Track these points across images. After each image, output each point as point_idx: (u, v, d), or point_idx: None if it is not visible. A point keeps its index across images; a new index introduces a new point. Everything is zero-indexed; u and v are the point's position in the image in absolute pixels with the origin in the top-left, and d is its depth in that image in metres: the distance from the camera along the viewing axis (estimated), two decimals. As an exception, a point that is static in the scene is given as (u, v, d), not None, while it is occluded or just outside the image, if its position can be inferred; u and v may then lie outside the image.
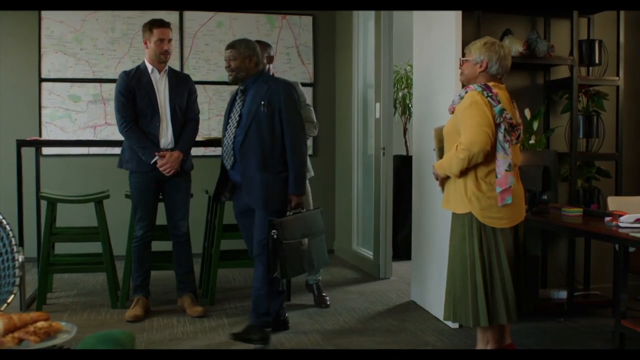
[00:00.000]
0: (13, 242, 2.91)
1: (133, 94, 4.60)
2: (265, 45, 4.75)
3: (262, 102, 3.98)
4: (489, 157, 3.35)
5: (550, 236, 5.01)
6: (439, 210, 4.51)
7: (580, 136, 4.99)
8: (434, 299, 4.68)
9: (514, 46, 4.67)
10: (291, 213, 4.00)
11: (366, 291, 5.51)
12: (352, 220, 6.74)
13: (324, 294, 5.06)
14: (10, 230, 2.93)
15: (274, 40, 6.94)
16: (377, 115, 6.06)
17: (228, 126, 4.11)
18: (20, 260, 2.84)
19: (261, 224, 3.97)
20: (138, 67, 4.71)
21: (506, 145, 3.36)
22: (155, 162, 4.54)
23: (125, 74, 4.67)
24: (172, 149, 4.60)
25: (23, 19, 6.50)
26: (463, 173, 3.39)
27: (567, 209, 4.23)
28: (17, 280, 2.79)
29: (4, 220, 2.96)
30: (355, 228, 6.73)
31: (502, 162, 3.36)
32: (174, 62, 6.68)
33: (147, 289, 4.76)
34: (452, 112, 3.54)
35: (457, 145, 3.35)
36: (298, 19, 7.11)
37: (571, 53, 4.86)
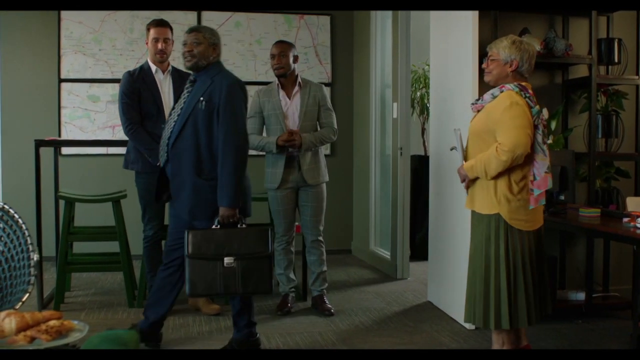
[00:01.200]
0: (29, 242, 2.94)
1: (138, 95, 4.57)
2: (289, 45, 4.75)
3: (201, 99, 3.62)
4: (526, 158, 3.30)
5: (568, 237, 4.97)
6: (457, 211, 4.49)
7: (599, 136, 4.94)
8: (451, 299, 4.66)
9: (532, 45, 4.64)
10: (217, 226, 3.61)
11: (383, 291, 5.50)
12: (369, 220, 6.73)
13: (327, 303, 4.85)
14: (26, 229, 2.96)
15: (291, 40, 6.92)
16: (395, 115, 6.04)
17: (170, 118, 3.77)
18: (35, 259, 2.86)
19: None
20: (142, 67, 4.68)
21: (544, 146, 3.31)
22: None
23: (129, 74, 4.63)
24: None
25: (43, 20, 6.57)
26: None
27: (584, 210, 4.19)
28: (32, 279, 2.82)
29: (20, 220, 2.99)
30: (373, 228, 6.72)
31: (541, 164, 3.30)
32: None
33: (163, 288, 4.77)
34: (478, 111, 3.46)
35: (496, 147, 3.25)
36: (316, 18, 7.10)
37: (590, 52, 4.82)
